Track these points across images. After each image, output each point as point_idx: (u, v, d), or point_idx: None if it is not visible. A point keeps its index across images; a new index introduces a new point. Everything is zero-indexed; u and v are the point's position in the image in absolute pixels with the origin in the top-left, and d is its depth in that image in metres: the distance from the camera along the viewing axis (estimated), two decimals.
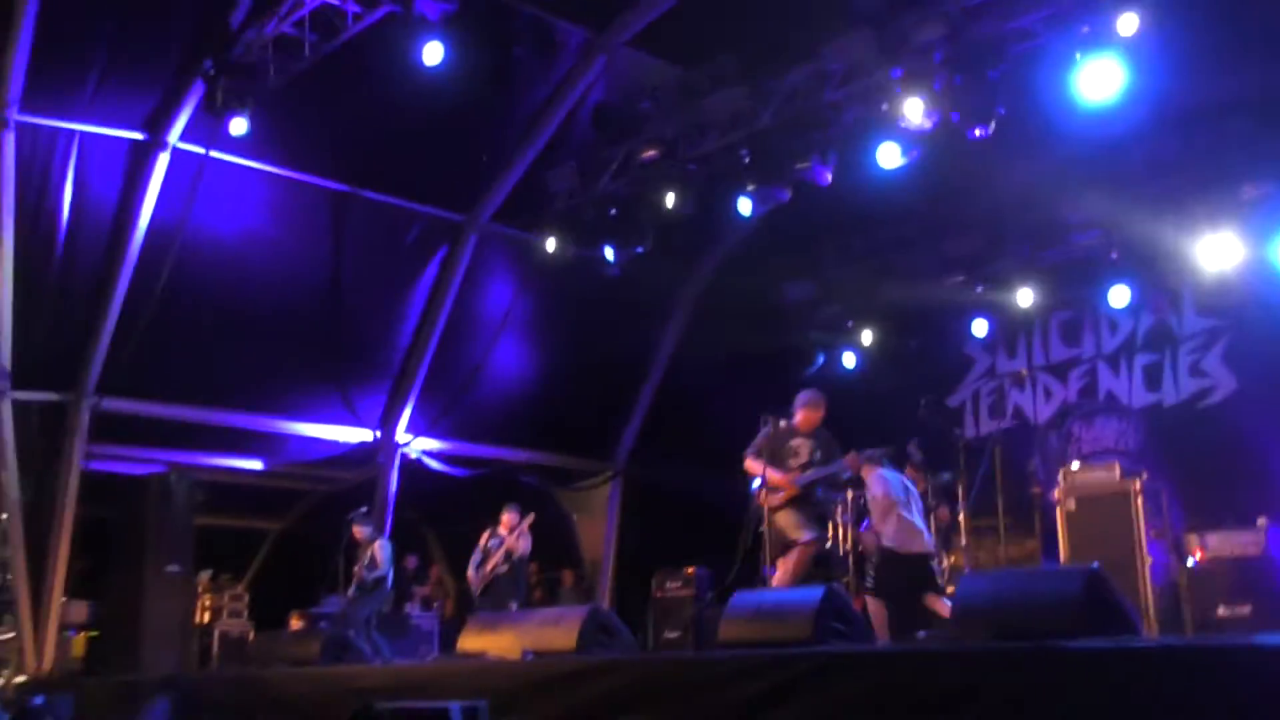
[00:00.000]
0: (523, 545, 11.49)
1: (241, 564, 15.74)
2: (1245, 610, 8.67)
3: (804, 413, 8.79)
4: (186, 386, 11.99)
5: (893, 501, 8.29)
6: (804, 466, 8.61)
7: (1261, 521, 9.22)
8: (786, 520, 8.51)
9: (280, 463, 13.49)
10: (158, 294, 11.12)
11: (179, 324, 11.55)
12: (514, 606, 11.04)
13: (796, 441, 8.72)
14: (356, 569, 11.28)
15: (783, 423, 8.80)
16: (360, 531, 11.41)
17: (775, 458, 8.67)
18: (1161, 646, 5.25)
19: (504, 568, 11.40)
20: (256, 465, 13.42)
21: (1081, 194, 11.11)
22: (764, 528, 8.71)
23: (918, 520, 8.34)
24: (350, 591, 11.32)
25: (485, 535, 11.66)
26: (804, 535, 8.45)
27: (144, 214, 11.07)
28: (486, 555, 11.49)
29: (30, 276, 10.87)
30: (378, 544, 11.34)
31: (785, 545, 8.48)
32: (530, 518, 11.59)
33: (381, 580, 11.35)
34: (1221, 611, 8.76)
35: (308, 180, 12.00)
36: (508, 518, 11.60)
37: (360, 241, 12.45)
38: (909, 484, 8.60)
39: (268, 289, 12.08)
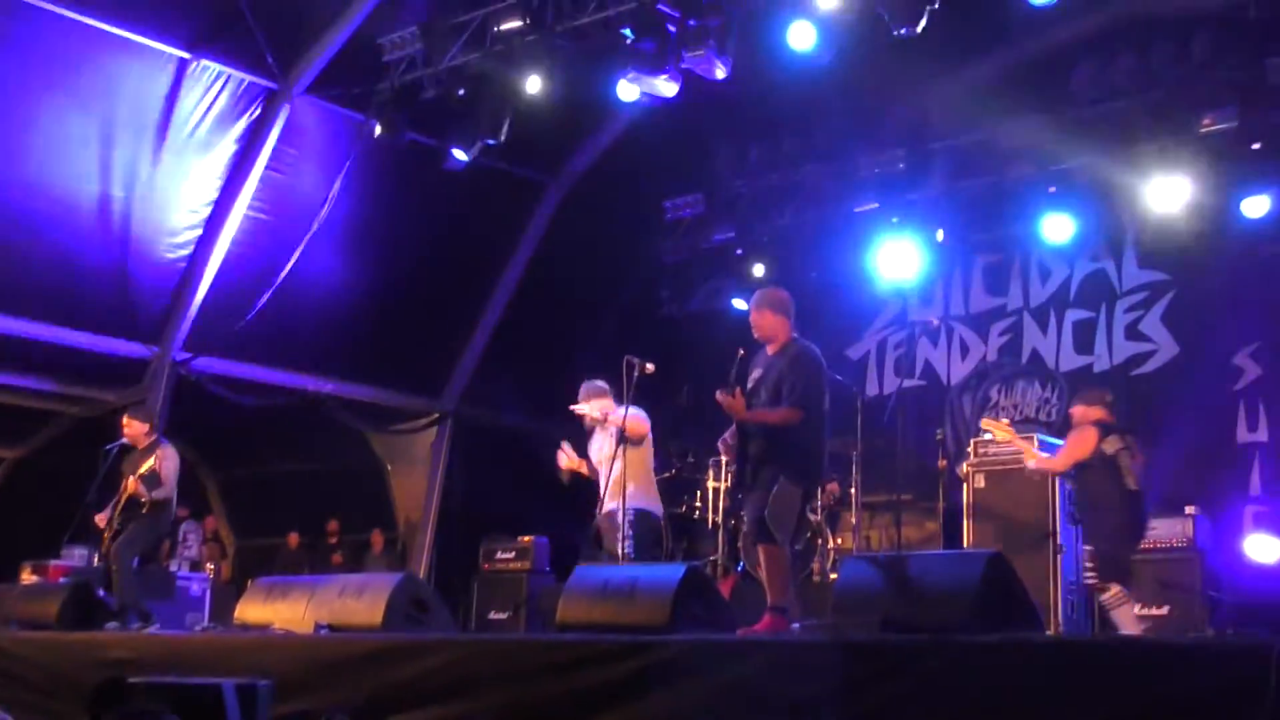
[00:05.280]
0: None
1: None
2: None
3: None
4: None
5: None
6: None
7: (1190, 510, 9.67)
8: None
9: (20, 374, 13.06)
10: None
11: None
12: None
13: None
14: (127, 481, 9.93)
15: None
16: (134, 427, 10.18)
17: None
18: (1056, 645, 5.53)
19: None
20: None
21: (1018, 114, 11.34)
22: None
23: None
24: (109, 514, 10.00)
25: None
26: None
27: None
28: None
29: None
30: (162, 450, 10.12)
31: None
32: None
33: (165, 504, 10.08)
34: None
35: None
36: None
37: (132, 98, 11.83)
38: None
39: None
